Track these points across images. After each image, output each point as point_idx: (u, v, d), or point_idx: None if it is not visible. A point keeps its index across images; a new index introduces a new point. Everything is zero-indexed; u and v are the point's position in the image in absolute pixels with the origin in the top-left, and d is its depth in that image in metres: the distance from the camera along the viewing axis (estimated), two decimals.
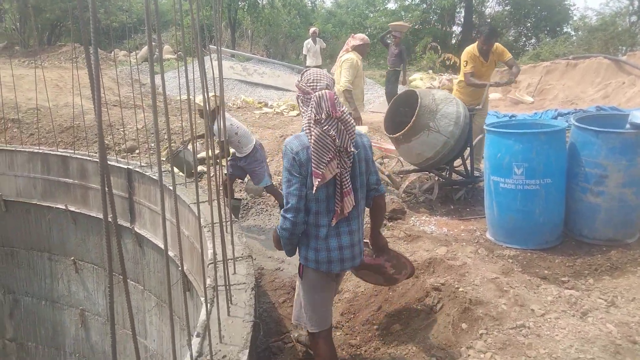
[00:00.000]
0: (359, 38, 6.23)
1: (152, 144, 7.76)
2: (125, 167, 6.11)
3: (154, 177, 5.56)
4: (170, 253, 5.58)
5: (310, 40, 13.91)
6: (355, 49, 6.14)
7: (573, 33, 22.70)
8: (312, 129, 2.42)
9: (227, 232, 3.36)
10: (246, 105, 12.32)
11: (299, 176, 2.44)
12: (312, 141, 2.40)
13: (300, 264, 2.68)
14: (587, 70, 13.51)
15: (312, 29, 14.43)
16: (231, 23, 20.92)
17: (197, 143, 6.15)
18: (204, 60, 2.62)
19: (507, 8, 24.38)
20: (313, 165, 2.40)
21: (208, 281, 2.84)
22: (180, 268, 5.23)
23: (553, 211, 4.09)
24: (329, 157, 2.40)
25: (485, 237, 4.49)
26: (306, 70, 2.62)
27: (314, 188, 2.41)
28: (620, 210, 3.96)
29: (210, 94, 5.45)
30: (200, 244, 2.67)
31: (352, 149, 2.47)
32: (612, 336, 2.80)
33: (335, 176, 2.45)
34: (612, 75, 13.06)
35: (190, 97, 5.37)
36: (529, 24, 24.66)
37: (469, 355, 2.74)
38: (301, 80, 2.55)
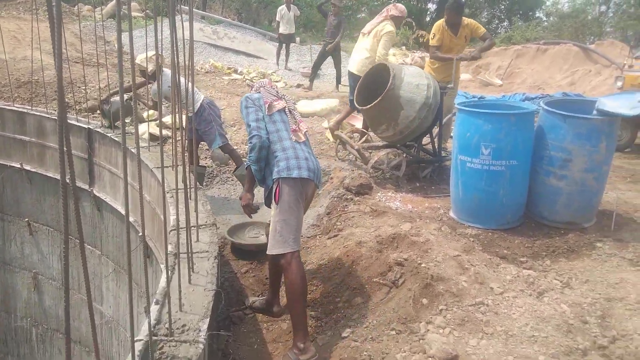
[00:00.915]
0: (399, 10, 6.23)
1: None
2: (86, 126, 5.87)
3: (116, 139, 5.37)
4: (131, 218, 5.44)
5: (284, 6, 13.57)
6: (393, 19, 6.17)
7: (545, 18, 23.05)
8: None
9: (190, 198, 3.27)
10: (215, 70, 12.01)
11: (254, 107, 3.21)
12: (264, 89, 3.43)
13: (275, 189, 3.03)
14: (556, 57, 13.74)
15: None
16: None
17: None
18: (175, 20, 2.48)
19: None
20: (263, 97, 3.31)
21: (170, 248, 2.77)
22: (140, 234, 5.13)
23: (516, 193, 4.16)
24: (274, 96, 3.34)
25: (448, 215, 4.55)
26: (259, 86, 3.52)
27: (265, 106, 3.22)
28: (580, 194, 4.06)
29: (151, 53, 5.25)
30: (163, 210, 2.59)
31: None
32: (566, 316, 2.89)
33: (285, 109, 3.29)
34: (579, 62, 13.32)
35: (152, 55, 5.20)
36: (502, 7, 24.86)
37: (428, 330, 2.78)
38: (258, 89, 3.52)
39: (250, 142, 3.11)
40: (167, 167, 3.89)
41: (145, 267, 2.23)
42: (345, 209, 4.67)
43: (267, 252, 3.10)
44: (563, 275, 3.45)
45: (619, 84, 7.72)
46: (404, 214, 4.46)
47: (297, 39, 15.97)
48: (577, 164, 3.95)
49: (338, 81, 10.90)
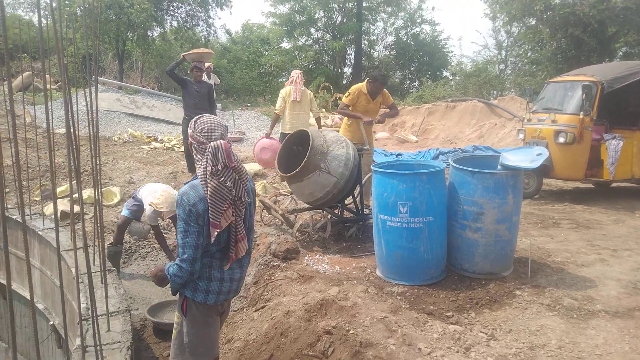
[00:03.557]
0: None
1: (24, 182, 7.02)
2: None
3: (21, 221, 5.00)
4: (41, 306, 4.99)
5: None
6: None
7: (451, 77, 24.83)
8: (208, 181, 2.41)
9: (102, 283, 3.06)
10: (134, 140, 11.72)
11: (197, 226, 2.41)
12: (209, 193, 2.39)
13: (184, 299, 2.58)
14: (464, 112, 14.75)
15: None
16: (119, 54, 20.04)
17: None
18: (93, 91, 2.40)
19: (392, 52, 26.10)
20: (211, 216, 2.40)
21: (77, 341, 2.53)
22: (51, 323, 4.71)
23: (436, 247, 4.27)
24: (225, 207, 2.43)
25: (375, 274, 4.56)
26: (199, 118, 2.54)
27: (212, 238, 2.42)
28: (495, 245, 4.23)
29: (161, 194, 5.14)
30: (77, 297, 2.39)
31: (247, 198, 2.53)
32: None
33: (230, 223, 2.47)
34: (485, 117, 14.37)
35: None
36: (412, 68, 26.58)
37: None
38: (195, 129, 2.49)
39: (179, 273, 2.44)
40: (78, 248, 3.64)
41: None
42: (272, 277, 4.56)
43: None
44: (487, 327, 3.53)
45: (521, 136, 8.37)
46: (332, 277, 4.42)
47: (219, 105, 16.08)
48: (488, 216, 4.15)
49: None
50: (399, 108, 6.72)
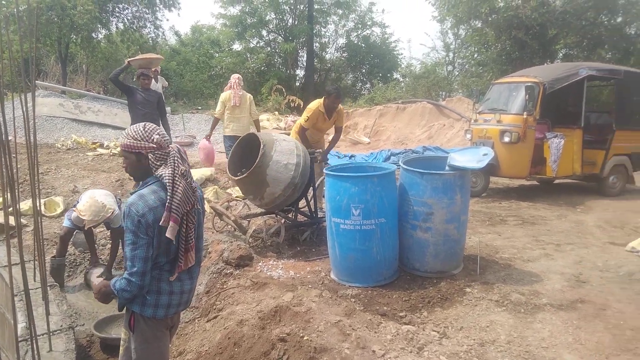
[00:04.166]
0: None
1: None
2: None
3: None
4: None
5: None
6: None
7: (401, 79, 25.25)
8: (177, 182, 2.36)
9: (42, 299, 2.90)
10: (78, 146, 11.26)
11: (146, 237, 2.32)
12: (179, 194, 2.35)
13: (131, 315, 2.48)
14: (414, 114, 15.03)
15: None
16: (62, 57, 19.21)
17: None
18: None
19: (344, 54, 26.27)
20: (174, 214, 2.32)
21: None
22: None
23: (388, 248, 4.31)
24: (187, 210, 2.40)
25: (329, 277, 4.56)
26: (148, 126, 2.43)
27: (172, 234, 2.32)
28: (445, 244, 4.32)
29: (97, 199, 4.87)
30: (12, 315, 2.24)
31: (199, 206, 2.51)
32: None
33: (180, 233, 2.41)
34: (434, 118, 14.70)
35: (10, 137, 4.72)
36: (364, 70, 26.84)
37: None
38: (153, 136, 2.39)
39: (128, 287, 2.34)
40: (15, 264, 3.44)
41: None
42: (225, 285, 4.48)
43: None
44: (439, 325, 3.59)
45: (469, 136, 8.61)
46: (286, 282, 4.39)
47: (168, 109, 15.72)
48: (438, 216, 4.23)
49: None
50: (350, 110, 6.74)
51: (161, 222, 2.30)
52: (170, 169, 2.37)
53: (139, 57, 7.37)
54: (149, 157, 2.39)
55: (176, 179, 2.36)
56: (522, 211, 7.09)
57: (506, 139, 7.68)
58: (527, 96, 7.59)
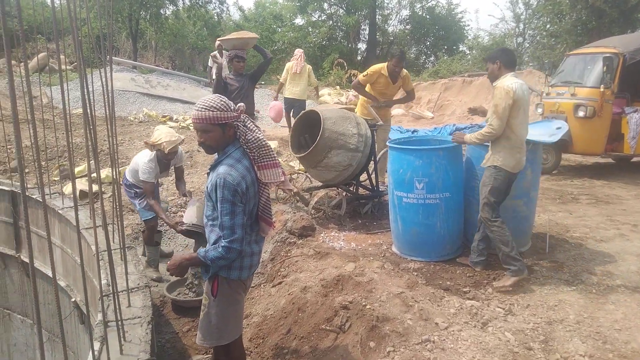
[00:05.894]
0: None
1: (43, 163, 7.12)
2: (9, 189, 5.54)
3: (41, 200, 5.09)
4: (63, 283, 5.10)
5: (217, 52, 13.62)
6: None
7: (468, 52, 24.33)
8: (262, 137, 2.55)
9: (121, 260, 3.11)
10: (149, 120, 11.77)
11: (242, 205, 2.45)
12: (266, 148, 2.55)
13: (215, 281, 2.57)
14: (481, 87, 14.48)
15: (218, 42, 14.16)
16: (132, 34, 20.00)
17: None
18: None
19: (408, 27, 25.62)
20: (271, 162, 2.54)
21: (99, 317, 2.59)
22: (73, 299, 4.82)
23: (453, 223, 4.24)
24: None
25: (391, 250, 4.57)
26: (222, 99, 2.50)
27: (279, 179, 2.58)
28: (513, 220, 4.18)
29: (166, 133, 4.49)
30: (95, 274, 2.43)
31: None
32: (510, 344, 2.92)
33: (263, 192, 2.61)
34: None
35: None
36: (428, 43, 26.09)
37: None
38: (228, 104, 2.48)
39: (228, 254, 2.42)
40: (98, 226, 3.70)
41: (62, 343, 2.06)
42: (289, 254, 4.60)
43: (197, 342, 2.73)
44: (505, 302, 3.52)
45: (540, 110, 8.21)
46: (348, 253, 4.44)
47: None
48: None
49: None
50: (414, 84, 6.54)
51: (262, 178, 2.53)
52: (258, 133, 2.53)
53: (232, 37, 6.10)
54: (238, 125, 2.48)
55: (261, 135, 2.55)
56: (596, 190, 6.74)
57: (581, 114, 7.27)
58: (604, 68, 7.12)
